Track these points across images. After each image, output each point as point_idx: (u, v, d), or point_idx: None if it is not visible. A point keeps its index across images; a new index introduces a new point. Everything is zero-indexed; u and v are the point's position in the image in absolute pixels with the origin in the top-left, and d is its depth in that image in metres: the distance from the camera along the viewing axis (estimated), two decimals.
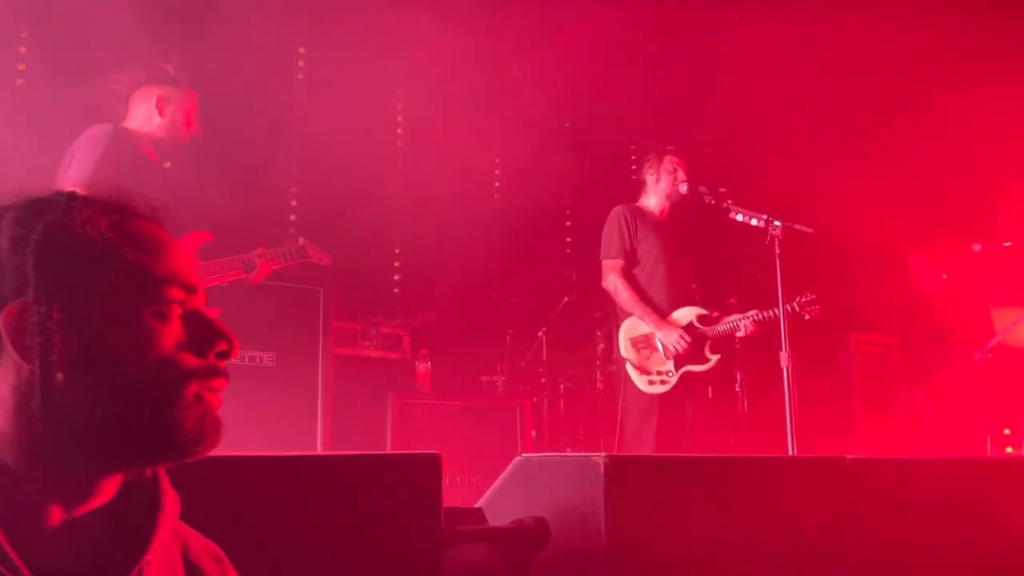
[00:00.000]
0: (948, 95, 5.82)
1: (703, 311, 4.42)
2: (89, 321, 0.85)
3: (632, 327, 4.42)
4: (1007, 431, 5.59)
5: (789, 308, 3.89)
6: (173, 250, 0.94)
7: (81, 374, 0.84)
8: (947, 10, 5.54)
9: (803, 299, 4.00)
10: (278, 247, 3.85)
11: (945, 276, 5.89)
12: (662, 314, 4.38)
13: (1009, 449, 5.52)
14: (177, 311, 0.91)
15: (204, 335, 0.92)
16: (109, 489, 0.91)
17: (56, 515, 0.86)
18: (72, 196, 0.92)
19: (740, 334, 4.29)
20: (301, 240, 3.94)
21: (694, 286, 4.62)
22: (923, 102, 6.05)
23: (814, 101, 6.30)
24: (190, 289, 0.93)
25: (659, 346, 4.34)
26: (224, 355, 0.93)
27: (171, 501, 0.96)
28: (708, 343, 4.36)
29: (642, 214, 4.58)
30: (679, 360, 4.31)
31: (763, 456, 2.33)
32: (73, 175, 3.28)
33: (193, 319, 0.92)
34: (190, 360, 0.90)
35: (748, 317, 4.24)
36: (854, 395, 5.90)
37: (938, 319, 5.82)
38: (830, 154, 6.09)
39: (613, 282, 4.45)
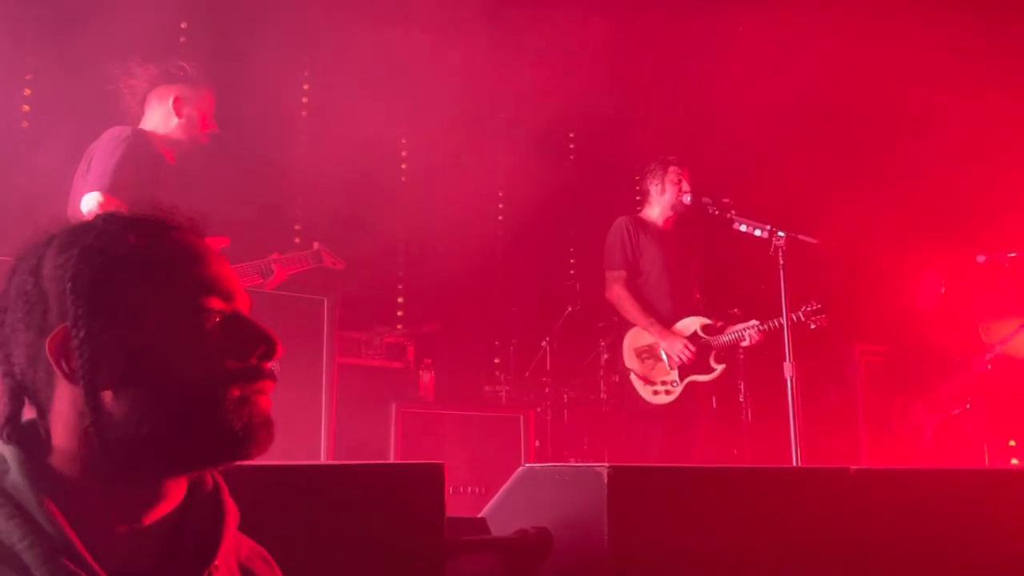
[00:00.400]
0: (955, 102, 5.81)
1: (707, 321, 4.41)
2: (129, 338, 0.88)
3: (636, 337, 4.41)
4: (1012, 442, 5.56)
5: (794, 318, 3.85)
6: (210, 259, 0.96)
7: (126, 390, 0.88)
8: (953, 13, 5.53)
9: (808, 308, 3.95)
10: (293, 252, 3.86)
11: (944, 289, 5.87)
12: (665, 324, 4.38)
13: (1015, 461, 5.49)
14: (216, 318, 0.93)
15: (244, 339, 0.94)
16: (173, 498, 0.94)
17: (125, 524, 0.89)
18: (108, 218, 0.94)
19: (745, 344, 4.28)
20: (316, 244, 3.96)
21: (698, 296, 4.61)
22: (928, 110, 6.05)
23: (818, 111, 6.30)
24: (228, 296, 0.95)
25: (663, 356, 4.33)
26: (265, 357, 0.95)
27: (233, 510, 0.99)
28: (713, 353, 4.35)
29: (645, 225, 4.59)
30: (684, 370, 4.30)
31: (767, 467, 2.32)
32: (93, 178, 3.29)
33: (233, 323, 0.95)
34: (231, 364, 0.92)
35: (753, 327, 4.22)
36: (858, 405, 5.87)
37: (939, 330, 5.79)
38: (833, 161, 6.08)
39: (616, 293, 4.45)
